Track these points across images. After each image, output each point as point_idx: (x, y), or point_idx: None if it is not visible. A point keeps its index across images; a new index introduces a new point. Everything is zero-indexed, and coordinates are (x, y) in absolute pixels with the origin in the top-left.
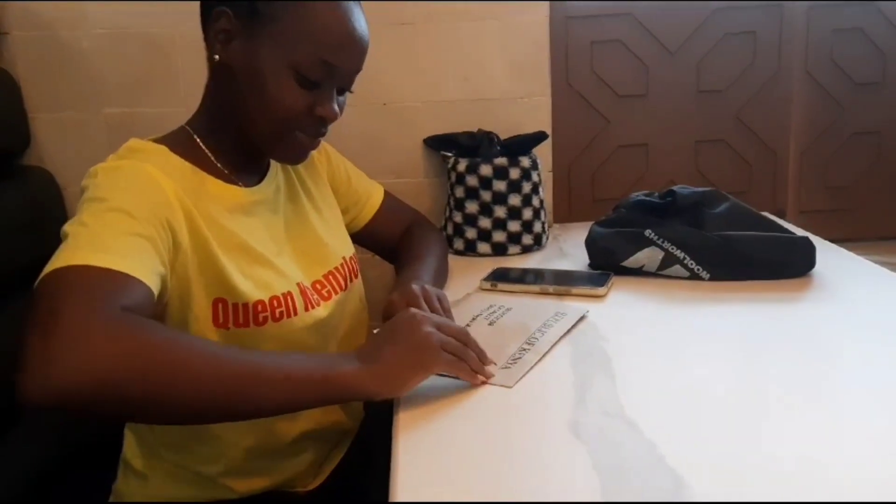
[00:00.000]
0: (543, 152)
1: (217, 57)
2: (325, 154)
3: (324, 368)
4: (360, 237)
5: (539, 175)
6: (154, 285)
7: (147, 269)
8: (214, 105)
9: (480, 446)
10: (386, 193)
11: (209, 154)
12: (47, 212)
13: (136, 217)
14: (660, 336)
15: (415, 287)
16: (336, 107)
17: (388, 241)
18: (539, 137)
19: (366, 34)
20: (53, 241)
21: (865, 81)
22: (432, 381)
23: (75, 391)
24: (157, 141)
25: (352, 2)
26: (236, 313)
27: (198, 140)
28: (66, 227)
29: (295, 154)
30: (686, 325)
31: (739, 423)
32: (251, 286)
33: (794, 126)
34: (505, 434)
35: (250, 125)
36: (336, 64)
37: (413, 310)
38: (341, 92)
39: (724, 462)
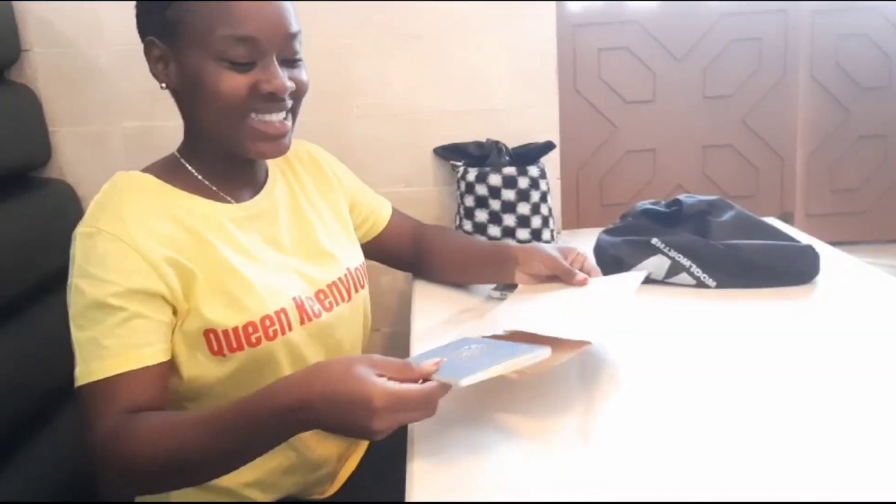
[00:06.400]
0: (551, 159)
1: (163, 85)
2: (334, 172)
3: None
4: (371, 249)
5: (547, 184)
6: (161, 353)
7: (146, 348)
8: (188, 128)
9: (495, 454)
10: (392, 207)
11: (197, 175)
12: (68, 223)
13: (115, 306)
14: (666, 343)
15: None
16: (283, 79)
17: (397, 251)
18: (547, 147)
19: None
20: None
21: (871, 85)
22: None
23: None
24: (144, 170)
25: None
26: (228, 340)
27: (184, 163)
28: (74, 334)
29: (266, 143)
30: (692, 332)
31: (745, 429)
32: (239, 312)
33: (801, 130)
34: (514, 439)
35: (212, 131)
36: (253, 35)
37: (372, 391)
38: (291, 63)
39: (730, 467)
